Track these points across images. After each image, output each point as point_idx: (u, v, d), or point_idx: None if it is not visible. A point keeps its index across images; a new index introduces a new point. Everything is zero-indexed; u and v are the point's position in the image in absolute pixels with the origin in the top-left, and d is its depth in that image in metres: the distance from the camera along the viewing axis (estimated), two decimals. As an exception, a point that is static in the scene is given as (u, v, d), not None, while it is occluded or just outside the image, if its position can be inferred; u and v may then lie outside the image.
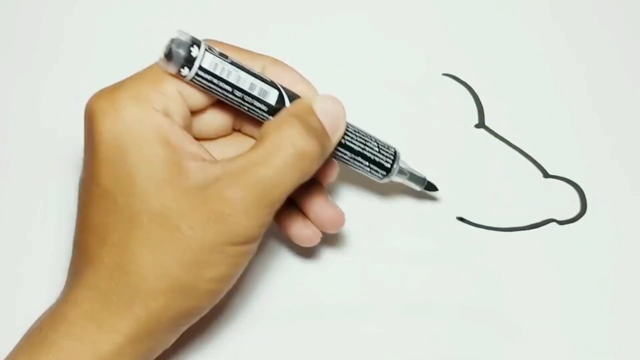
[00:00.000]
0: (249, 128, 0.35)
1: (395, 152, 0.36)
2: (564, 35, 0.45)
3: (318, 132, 0.31)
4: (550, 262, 0.39)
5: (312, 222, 0.35)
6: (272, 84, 0.32)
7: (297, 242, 0.36)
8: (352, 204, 0.39)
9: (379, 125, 0.42)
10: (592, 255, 0.39)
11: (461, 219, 0.40)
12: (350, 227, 0.39)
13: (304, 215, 0.35)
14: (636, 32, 0.45)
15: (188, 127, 0.32)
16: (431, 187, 0.39)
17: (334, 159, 0.35)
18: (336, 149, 0.34)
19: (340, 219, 0.35)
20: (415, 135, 0.42)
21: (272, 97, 0.32)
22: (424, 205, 0.40)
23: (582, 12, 0.46)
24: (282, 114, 0.31)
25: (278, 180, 0.30)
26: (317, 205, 0.35)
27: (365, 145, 0.35)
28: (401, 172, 0.37)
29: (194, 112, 0.33)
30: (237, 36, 0.45)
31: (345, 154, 0.34)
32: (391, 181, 0.37)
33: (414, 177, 0.38)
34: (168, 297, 0.30)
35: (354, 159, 0.35)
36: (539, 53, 0.45)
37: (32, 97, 0.43)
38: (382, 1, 0.46)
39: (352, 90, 0.43)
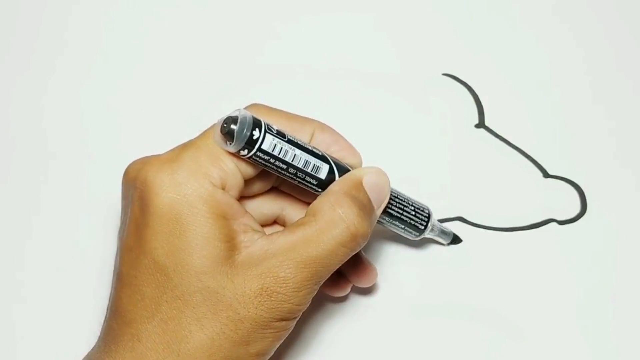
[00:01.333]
0: (287, 186, 0.35)
1: (429, 214, 0.37)
2: (564, 35, 0.45)
3: (367, 209, 0.31)
4: (550, 262, 0.39)
5: (348, 277, 0.36)
6: (323, 159, 0.32)
7: (332, 294, 0.37)
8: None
9: (379, 124, 0.42)
10: (592, 255, 0.39)
11: (461, 219, 0.40)
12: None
13: (342, 275, 0.36)
14: (636, 32, 0.45)
15: (239, 197, 0.32)
16: (456, 239, 0.39)
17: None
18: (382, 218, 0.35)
19: (373, 276, 0.36)
20: (416, 136, 0.42)
21: (323, 172, 0.32)
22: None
23: (583, 12, 0.46)
24: (334, 190, 0.31)
25: (329, 260, 0.30)
26: (356, 267, 0.36)
27: (403, 210, 0.35)
28: (432, 229, 0.37)
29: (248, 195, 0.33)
30: (243, 33, 0.45)
31: (384, 219, 0.35)
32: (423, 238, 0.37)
33: (442, 234, 0.38)
34: None
35: (392, 222, 0.35)
36: (539, 53, 0.45)
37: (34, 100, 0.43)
38: (383, 1, 0.46)
39: (352, 90, 0.43)
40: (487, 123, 0.43)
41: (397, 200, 0.35)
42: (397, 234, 0.37)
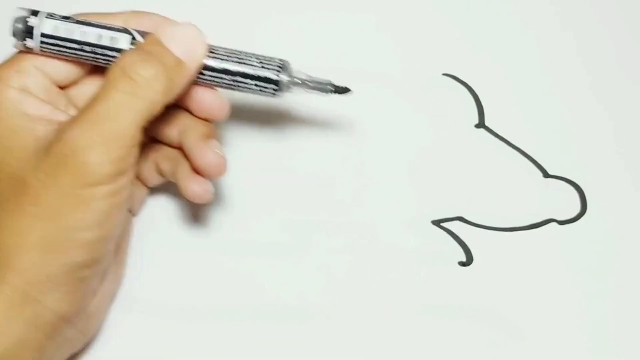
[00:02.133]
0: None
1: (282, 63, 0.34)
2: (564, 35, 0.45)
3: (160, 58, 0.31)
4: (550, 262, 0.39)
5: (197, 169, 0.33)
6: (123, 30, 0.32)
7: (188, 198, 0.34)
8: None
9: (379, 124, 0.42)
10: (592, 255, 0.39)
11: (461, 219, 0.40)
12: (348, 228, 0.39)
13: (193, 167, 0.34)
14: (637, 33, 0.45)
15: (54, 99, 0.33)
16: (341, 89, 0.35)
17: (216, 90, 0.34)
18: (213, 75, 0.33)
19: (221, 165, 0.33)
20: (416, 135, 0.42)
21: (124, 43, 0.32)
22: (424, 205, 0.40)
23: (583, 12, 0.46)
24: (125, 52, 0.32)
25: (117, 112, 0.29)
26: (195, 150, 0.33)
27: (242, 62, 0.33)
28: (300, 84, 0.34)
29: (67, 85, 0.34)
30: (243, 33, 0.45)
31: (224, 78, 0.33)
32: (292, 94, 0.34)
33: (317, 85, 0.35)
34: (39, 255, 0.29)
35: (235, 80, 0.33)
36: (539, 53, 0.45)
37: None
38: (383, 1, 0.46)
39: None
40: (487, 123, 0.43)
41: (233, 54, 0.33)
42: (256, 95, 0.34)
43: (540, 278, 0.39)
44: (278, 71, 0.33)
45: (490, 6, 0.46)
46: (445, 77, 0.44)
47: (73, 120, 0.30)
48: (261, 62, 0.33)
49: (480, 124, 0.43)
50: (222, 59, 0.33)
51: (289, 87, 0.34)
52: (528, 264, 0.39)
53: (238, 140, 0.41)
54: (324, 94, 0.35)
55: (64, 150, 0.29)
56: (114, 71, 0.30)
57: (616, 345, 0.37)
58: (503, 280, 0.39)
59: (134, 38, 0.32)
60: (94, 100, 0.30)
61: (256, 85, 0.33)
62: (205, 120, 0.34)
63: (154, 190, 0.40)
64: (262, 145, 0.41)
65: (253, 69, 0.33)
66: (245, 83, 0.33)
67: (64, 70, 0.33)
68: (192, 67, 0.32)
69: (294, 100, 0.42)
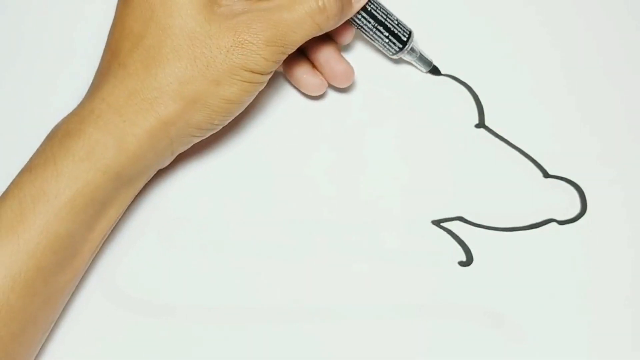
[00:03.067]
0: None
1: (410, 31, 0.41)
2: (564, 35, 0.45)
3: None
4: (550, 262, 0.39)
5: (321, 73, 0.41)
6: None
7: (303, 89, 0.41)
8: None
9: (379, 124, 0.42)
10: (592, 255, 0.39)
11: (461, 219, 0.40)
12: (348, 228, 0.39)
13: (315, 67, 0.41)
14: (637, 33, 0.45)
15: None
16: (436, 71, 0.43)
17: (352, 25, 0.40)
18: (362, 17, 0.39)
19: (350, 72, 0.41)
20: (416, 135, 0.42)
21: None
22: (424, 205, 0.40)
23: (583, 12, 0.46)
24: None
25: (297, 26, 0.35)
26: (329, 57, 0.40)
27: (386, 17, 0.40)
28: (413, 51, 0.41)
29: None
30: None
31: (369, 22, 0.39)
32: (401, 59, 0.42)
33: (422, 59, 0.42)
34: (187, 103, 0.34)
35: (376, 27, 0.39)
36: (540, 53, 0.45)
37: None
38: (383, 1, 0.46)
39: (352, 90, 0.43)
40: (487, 123, 0.43)
41: (381, 7, 0.40)
42: (377, 48, 0.41)
43: (540, 278, 0.39)
44: (408, 36, 0.41)
45: (491, 6, 0.46)
46: (445, 77, 0.44)
47: (261, 15, 0.35)
48: (398, 23, 0.40)
49: (480, 124, 0.43)
50: (374, 7, 0.39)
51: (406, 52, 0.41)
52: (528, 264, 0.39)
53: (238, 140, 0.41)
54: (423, 68, 0.42)
55: (247, 37, 0.34)
56: None
57: (616, 345, 0.37)
58: (503, 280, 0.39)
59: None
60: (281, 7, 0.35)
61: (388, 38, 0.40)
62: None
63: (153, 190, 0.40)
64: (263, 145, 0.41)
65: (392, 25, 0.40)
66: (381, 33, 0.40)
67: None
68: (357, 7, 0.38)
69: (294, 100, 0.43)
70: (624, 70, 0.44)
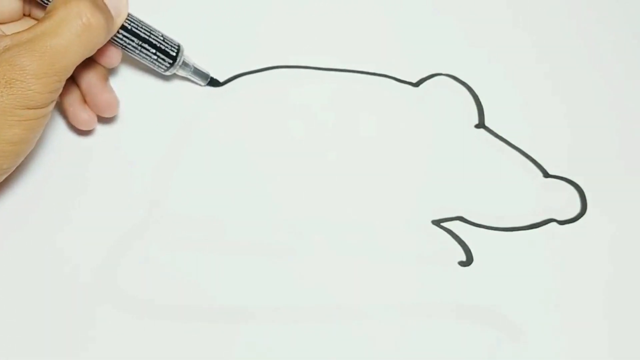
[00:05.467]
0: (38, 13, 0.38)
1: (179, 45, 0.39)
2: (564, 35, 0.45)
3: (103, 9, 0.35)
4: (550, 262, 0.39)
5: (87, 102, 0.39)
6: None
7: (74, 123, 0.39)
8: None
9: (379, 124, 0.42)
10: (592, 255, 0.39)
11: (461, 219, 0.40)
12: (348, 228, 0.39)
13: (84, 98, 0.39)
14: (636, 34, 0.45)
15: None
16: (215, 82, 0.42)
17: (116, 45, 0.38)
18: (124, 36, 0.37)
19: (112, 103, 0.39)
20: (416, 135, 0.42)
21: None
22: (424, 205, 0.40)
23: (584, 12, 0.46)
24: None
25: (67, 50, 0.33)
26: (93, 86, 0.38)
27: (150, 33, 0.38)
28: (186, 65, 0.40)
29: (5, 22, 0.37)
30: (241, 32, 0.45)
31: (132, 41, 0.38)
32: (175, 74, 0.40)
33: (198, 72, 0.41)
34: None
35: (141, 46, 0.38)
36: (539, 53, 0.45)
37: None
38: (383, 1, 0.46)
39: (352, 90, 0.43)
40: (487, 123, 0.43)
41: (142, 24, 0.38)
42: (148, 65, 0.39)
43: (540, 278, 0.39)
44: (177, 50, 0.39)
45: (490, 6, 0.46)
46: (445, 77, 0.44)
47: (23, 48, 0.32)
48: (164, 38, 0.39)
49: (480, 124, 0.43)
50: (134, 25, 0.38)
51: (178, 67, 0.40)
52: (528, 264, 0.39)
53: (238, 140, 0.41)
54: (201, 81, 0.41)
55: (12, 74, 0.32)
56: (67, 12, 0.33)
57: (616, 345, 0.37)
58: (503, 280, 0.39)
59: None
60: (45, 34, 0.33)
61: (156, 55, 0.39)
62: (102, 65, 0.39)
63: (153, 190, 0.40)
64: (263, 145, 0.41)
65: (157, 41, 0.38)
66: (148, 51, 0.38)
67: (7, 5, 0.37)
68: (118, 22, 0.36)
69: (294, 100, 0.43)
70: (624, 70, 0.44)
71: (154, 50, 0.38)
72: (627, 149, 0.42)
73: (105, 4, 0.35)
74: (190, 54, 0.40)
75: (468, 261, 0.39)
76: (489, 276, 0.39)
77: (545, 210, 0.40)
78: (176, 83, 0.42)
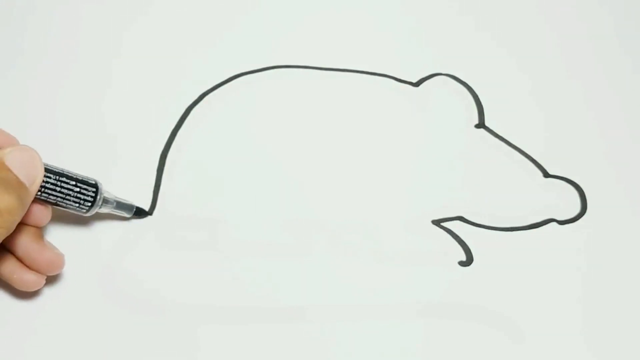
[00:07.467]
0: None
1: (96, 184, 0.37)
2: (564, 35, 0.45)
3: (13, 185, 0.32)
4: (550, 262, 0.39)
5: (27, 266, 0.36)
6: None
7: (22, 289, 0.36)
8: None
9: (379, 124, 0.42)
10: (592, 255, 0.39)
11: (461, 219, 0.40)
12: (348, 228, 0.39)
13: (22, 261, 0.36)
14: (637, 34, 0.45)
15: None
16: (141, 212, 0.39)
17: (41, 203, 0.35)
18: (42, 193, 0.34)
19: (56, 260, 0.36)
20: (416, 135, 0.42)
21: None
22: (424, 205, 0.40)
23: (584, 12, 0.46)
24: None
25: None
26: (33, 252, 0.35)
27: (67, 184, 0.35)
28: (107, 202, 0.37)
29: None
30: (242, 31, 0.45)
31: (48, 198, 0.35)
32: (98, 213, 0.37)
33: (122, 205, 0.38)
34: None
35: (64, 198, 0.35)
36: (540, 53, 0.45)
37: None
38: (383, 1, 0.46)
39: (352, 90, 0.43)
40: (487, 123, 0.43)
41: (57, 175, 0.35)
42: (70, 212, 0.36)
43: (540, 278, 0.39)
44: (93, 195, 0.36)
45: (491, 6, 0.46)
46: (445, 77, 0.44)
47: None
48: (77, 184, 0.36)
49: (480, 124, 0.43)
50: (51, 180, 0.35)
51: (100, 205, 0.37)
52: (528, 264, 0.39)
53: (238, 140, 0.41)
54: (126, 214, 0.39)
55: None
56: None
57: (616, 345, 0.37)
58: (503, 280, 0.39)
59: None
60: None
61: (73, 204, 0.36)
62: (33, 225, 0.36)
63: (152, 190, 0.40)
64: (263, 145, 0.41)
65: (74, 191, 0.36)
66: (69, 201, 0.36)
67: None
68: (34, 190, 0.34)
69: (294, 100, 0.43)
70: (624, 70, 0.44)
71: (72, 201, 0.36)
72: (627, 149, 0.42)
73: (15, 177, 0.33)
74: (109, 189, 0.38)
75: (468, 261, 0.39)
76: (489, 276, 0.39)
77: (545, 210, 0.40)
78: (176, 84, 0.42)
